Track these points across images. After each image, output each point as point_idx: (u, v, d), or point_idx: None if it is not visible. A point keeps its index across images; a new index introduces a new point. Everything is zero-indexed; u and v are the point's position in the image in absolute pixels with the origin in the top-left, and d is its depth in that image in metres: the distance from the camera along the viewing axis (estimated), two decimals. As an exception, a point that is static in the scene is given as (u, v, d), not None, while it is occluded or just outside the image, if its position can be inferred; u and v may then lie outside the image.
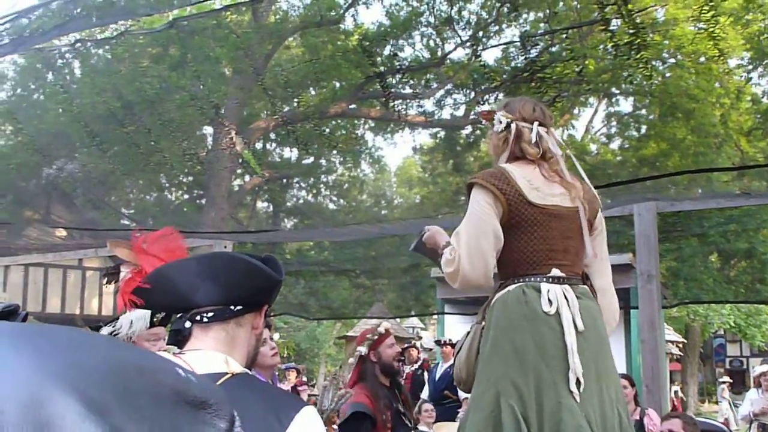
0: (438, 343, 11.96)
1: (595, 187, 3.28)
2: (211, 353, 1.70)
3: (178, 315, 1.78)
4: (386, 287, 26.41)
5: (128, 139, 14.57)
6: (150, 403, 1.05)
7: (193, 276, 1.73)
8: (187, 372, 1.20)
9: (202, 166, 18.92)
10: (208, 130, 20.39)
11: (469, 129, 23.19)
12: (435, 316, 17.89)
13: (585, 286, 2.93)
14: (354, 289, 26.82)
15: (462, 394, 9.03)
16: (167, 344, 1.87)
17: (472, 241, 2.84)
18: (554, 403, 2.66)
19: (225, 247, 9.85)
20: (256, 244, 22.44)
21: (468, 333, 3.30)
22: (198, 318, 1.73)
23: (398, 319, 29.09)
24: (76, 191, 17.99)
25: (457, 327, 12.92)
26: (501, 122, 3.04)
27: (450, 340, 10.53)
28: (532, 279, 2.85)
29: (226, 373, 1.64)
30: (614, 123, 24.64)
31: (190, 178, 22.56)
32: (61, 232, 13.13)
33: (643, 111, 22.47)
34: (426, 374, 10.89)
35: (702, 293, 19.47)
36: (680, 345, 25.64)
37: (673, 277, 20.30)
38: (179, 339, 1.76)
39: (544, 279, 2.84)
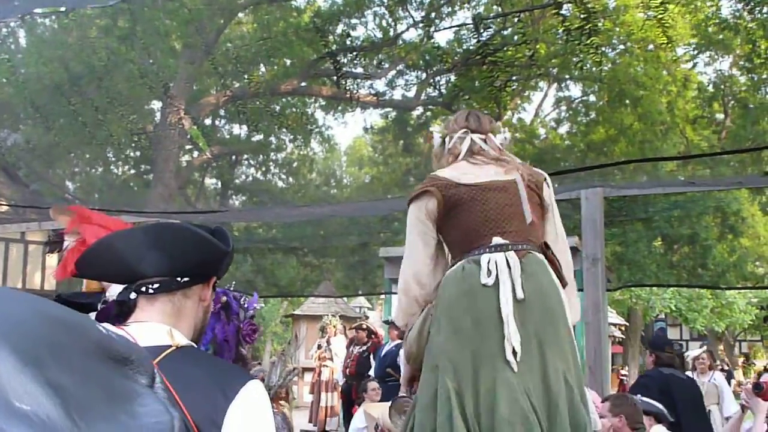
0: (386, 323, 12.02)
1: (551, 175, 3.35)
2: (155, 325, 1.66)
3: (123, 286, 1.73)
4: (334, 266, 26.42)
5: (74, 112, 14.27)
6: (79, 357, 1.05)
7: (139, 246, 1.68)
8: (107, 328, 1.19)
9: (150, 141, 18.65)
10: (156, 104, 20.10)
11: (420, 110, 23.22)
12: (382, 296, 17.93)
13: (537, 254, 2.87)
14: (302, 267, 26.78)
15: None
16: (113, 313, 1.83)
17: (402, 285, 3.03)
18: (491, 378, 2.65)
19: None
20: (204, 223, 22.30)
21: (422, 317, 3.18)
22: (143, 289, 1.69)
23: (345, 299, 29.13)
24: (19, 163, 17.60)
25: (404, 307, 13.00)
26: (437, 140, 3.24)
27: (392, 321, 10.62)
28: (474, 253, 2.84)
29: (170, 346, 1.61)
30: (563, 108, 24.89)
31: (137, 153, 22.23)
32: (3, 206, 12.84)
33: (592, 97, 22.71)
34: (371, 356, 10.93)
35: (645, 278, 19.81)
36: (622, 328, 26.12)
37: (617, 262, 20.64)
38: (124, 310, 1.72)
39: (486, 250, 2.82)
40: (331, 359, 12.62)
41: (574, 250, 7.43)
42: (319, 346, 13.14)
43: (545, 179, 3.08)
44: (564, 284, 2.92)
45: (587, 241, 7.09)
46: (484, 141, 3.12)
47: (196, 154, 22.78)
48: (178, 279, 1.71)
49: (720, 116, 22.66)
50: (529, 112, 26.74)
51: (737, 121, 20.55)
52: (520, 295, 2.70)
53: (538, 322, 2.72)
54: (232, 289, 4.32)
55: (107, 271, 1.78)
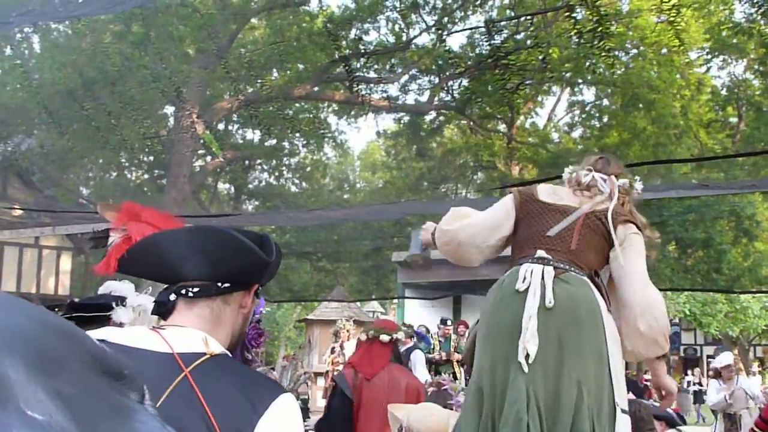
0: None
1: (557, 177, 3.42)
2: (191, 331, 1.64)
3: (164, 287, 1.73)
4: (347, 271, 26.43)
5: (88, 117, 14.34)
6: (80, 368, 1.05)
7: (183, 247, 1.67)
8: (99, 340, 1.19)
9: (163, 146, 18.72)
10: (170, 109, 20.18)
11: (432, 114, 23.23)
12: (395, 301, 17.93)
13: (578, 275, 2.94)
14: (315, 272, 26.80)
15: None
16: (151, 314, 1.83)
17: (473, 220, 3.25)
18: (505, 380, 2.76)
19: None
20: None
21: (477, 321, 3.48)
22: (183, 291, 1.67)
23: (359, 304, 29.12)
24: (33, 168, 17.71)
25: (417, 311, 13.00)
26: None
27: (407, 326, 10.85)
28: (520, 262, 2.99)
29: (204, 354, 1.58)
30: (577, 112, 24.86)
31: (151, 158, 22.30)
32: (17, 210, 12.92)
33: (605, 101, 22.68)
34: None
35: (660, 282, 19.71)
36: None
37: (633, 267, 20.52)
38: (162, 311, 1.70)
39: (529, 260, 2.96)
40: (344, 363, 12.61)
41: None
42: (333, 350, 13.10)
43: (627, 221, 3.10)
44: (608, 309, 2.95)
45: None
46: (603, 180, 3.21)
47: (209, 158, 22.87)
48: (219, 284, 1.68)
49: (734, 120, 22.55)
50: (543, 116, 26.71)
51: (751, 124, 20.43)
52: (549, 301, 2.80)
53: (563, 329, 2.79)
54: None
55: (149, 269, 1.76)
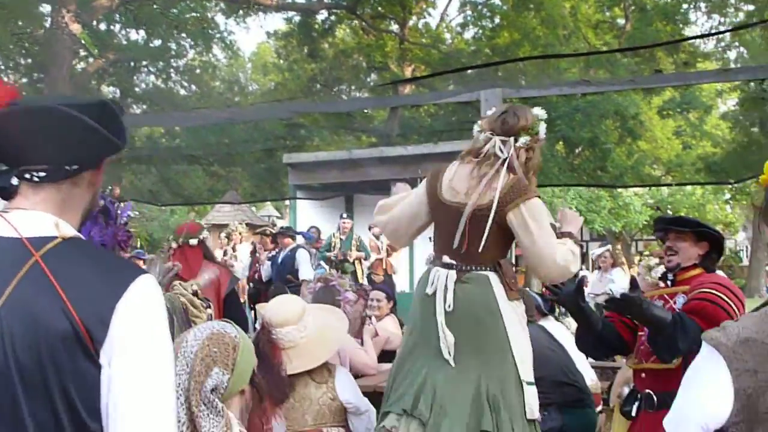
0: (282, 230, 12.15)
1: (445, 72, 3.49)
2: (40, 214, 1.52)
3: (4, 168, 1.57)
4: (240, 176, 26.12)
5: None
6: None
7: (25, 129, 1.52)
8: None
9: (40, 47, 17.77)
10: (46, 8, 19.08)
11: (324, 14, 22.76)
12: (288, 203, 17.88)
13: (480, 272, 3.29)
14: (207, 177, 26.36)
15: (302, 275, 9.73)
16: None
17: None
18: (415, 369, 3.24)
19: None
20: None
21: None
22: (27, 176, 1.54)
23: (254, 208, 28.91)
24: None
25: (309, 212, 12.98)
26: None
27: (282, 228, 11.58)
28: (433, 264, 3.42)
29: (56, 237, 1.49)
30: (469, 12, 24.76)
31: (29, 60, 21.20)
32: None
33: (497, 1, 22.65)
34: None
35: (547, 181, 20.25)
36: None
37: (520, 166, 20.96)
38: (3, 195, 1.56)
39: (437, 264, 3.36)
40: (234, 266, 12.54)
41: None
42: (225, 253, 13.02)
43: (518, 202, 3.24)
44: (514, 295, 3.32)
45: (487, 143, 7.13)
46: (502, 144, 3.35)
47: (91, 60, 21.87)
48: (67, 167, 1.55)
49: (621, 21, 22.95)
50: (435, 16, 26.60)
51: (635, 25, 20.85)
52: (449, 306, 3.21)
53: (462, 331, 3.20)
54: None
55: None
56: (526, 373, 3.23)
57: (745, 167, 18.00)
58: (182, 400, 1.64)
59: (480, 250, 3.25)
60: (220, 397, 1.70)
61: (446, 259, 3.34)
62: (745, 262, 32.11)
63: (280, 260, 10.46)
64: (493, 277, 3.28)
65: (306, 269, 9.92)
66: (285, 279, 9.86)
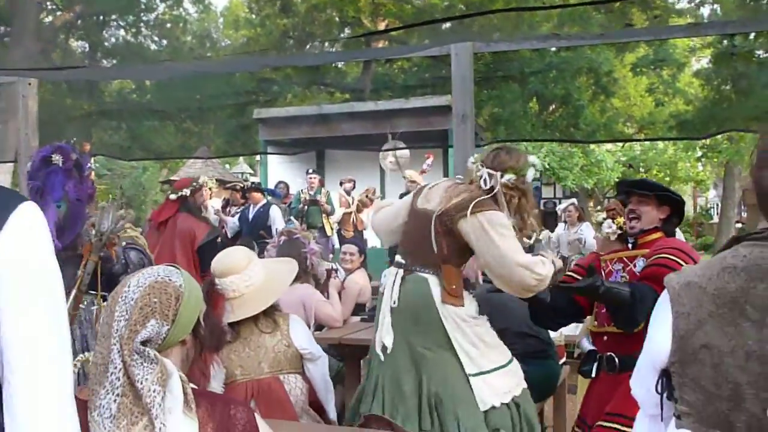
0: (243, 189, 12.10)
1: (416, 25, 3.54)
2: None
3: None
4: (213, 132, 25.91)
5: None
6: None
7: None
8: None
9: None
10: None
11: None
12: (258, 159, 17.76)
13: (421, 273, 3.48)
14: (180, 134, 26.14)
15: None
16: None
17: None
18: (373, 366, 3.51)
19: (29, 84, 9.10)
20: (70, 83, 21.22)
21: None
22: None
23: (228, 165, 28.71)
24: None
25: (280, 168, 12.91)
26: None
27: (254, 183, 11.11)
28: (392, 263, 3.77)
29: None
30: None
31: (-6, 13, 20.73)
32: None
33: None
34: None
35: (521, 137, 20.26)
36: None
37: (494, 123, 20.97)
38: None
39: (395, 264, 3.63)
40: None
41: (448, 109, 7.46)
42: (194, 209, 12.91)
43: (477, 212, 3.36)
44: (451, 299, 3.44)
45: (456, 98, 7.03)
46: (489, 176, 3.49)
47: (59, 13, 21.45)
48: None
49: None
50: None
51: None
52: (394, 302, 3.45)
53: (405, 327, 3.42)
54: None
55: None
56: (473, 366, 3.36)
57: (716, 124, 18.09)
58: (118, 347, 1.61)
59: (428, 253, 3.45)
60: (156, 347, 1.67)
61: (398, 258, 3.62)
62: (715, 219, 32.41)
63: (251, 216, 10.38)
64: (432, 280, 3.43)
65: (281, 225, 9.82)
66: (257, 235, 9.77)
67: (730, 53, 18.08)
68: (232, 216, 10.93)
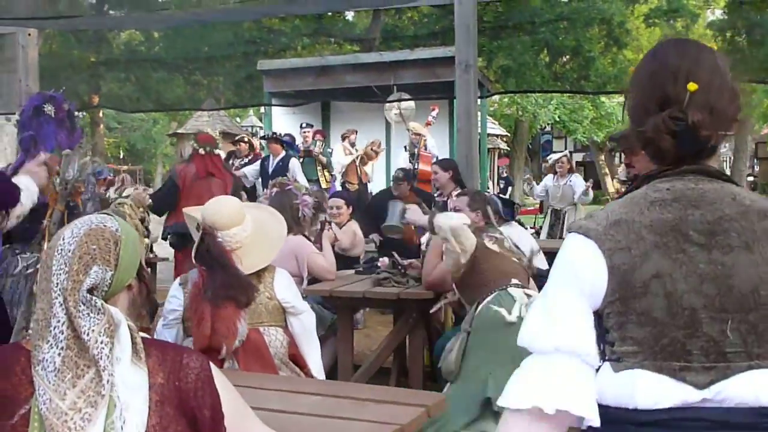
0: (264, 138, 11.96)
1: None
2: None
3: None
4: (223, 84, 25.79)
5: None
6: None
7: None
8: None
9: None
10: None
11: None
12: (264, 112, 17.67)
13: None
14: (189, 86, 26.04)
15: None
16: None
17: None
18: None
19: (29, 35, 9.02)
20: (77, 34, 21.11)
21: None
22: None
23: (238, 119, 28.62)
24: None
25: (284, 120, 12.84)
26: None
27: (275, 134, 10.71)
28: None
29: None
30: None
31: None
32: None
33: None
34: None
35: (531, 89, 20.07)
36: (506, 139, 26.69)
37: (504, 74, 20.76)
38: None
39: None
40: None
41: (453, 60, 7.34)
42: (198, 161, 12.85)
43: None
44: None
45: (460, 47, 6.96)
46: None
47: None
48: None
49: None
50: None
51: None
52: None
53: None
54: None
55: None
56: None
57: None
58: (60, 300, 1.58)
59: None
60: (102, 296, 1.64)
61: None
62: (727, 172, 32.20)
63: (271, 169, 10.16)
64: None
65: (301, 177, 9.60)
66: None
67: (742, 1, 17.77)
68: (242, 167, 10.83)
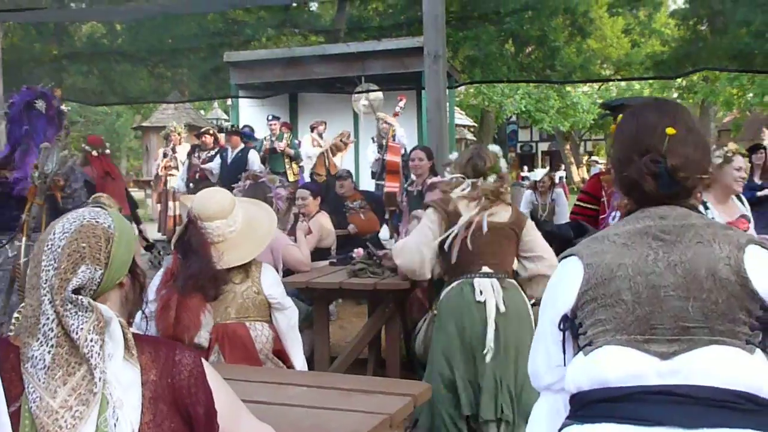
0: (223, 130, 11.99)
1: None
2: None
3: None
4: (187, 77, 25.56)
5: None
6: None
7: None
8: None
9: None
10: None
11: None
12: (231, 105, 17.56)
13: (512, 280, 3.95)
14: (153, 79, 25.76)
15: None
16: None
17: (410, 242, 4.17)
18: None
19: (-9, 26, 8.89)
20: (38, 27, 20.79)
21: (424, 319, 4.49)
22: None
23: (203, 111, 28.40)
24: None
25: (251, 112, 12.78)
26: None
27: (234, 126, 11.10)
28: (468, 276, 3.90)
29: None
30: None
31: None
32: None
33: None
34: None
35: (497, 79, 20.10)
36: (472, 129, 26.77)
37: (470, 64, 20.80)
38: None
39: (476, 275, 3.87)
40: (177, 168, 12.27)
41: (421, 50, 7.36)
42: (165, 155, 12.74)
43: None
44: None
45: (428, 38, 7.01)
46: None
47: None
48: None
49: None
50: None
51: None
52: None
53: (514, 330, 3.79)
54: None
55: None
56: None
57: (692, 64, 18.07)
58: (49, 297, 1.55)
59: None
60: (90, 294, 1.61)
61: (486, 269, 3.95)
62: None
63: (230, 160, 10.29)
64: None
65: (258, 169, 9.67)
66: (236, 179, 9.66)
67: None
68: (207, 162, 10.78)
